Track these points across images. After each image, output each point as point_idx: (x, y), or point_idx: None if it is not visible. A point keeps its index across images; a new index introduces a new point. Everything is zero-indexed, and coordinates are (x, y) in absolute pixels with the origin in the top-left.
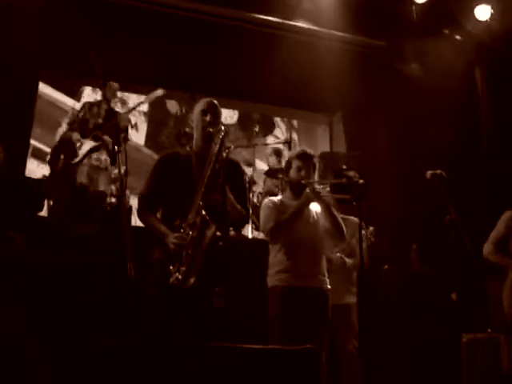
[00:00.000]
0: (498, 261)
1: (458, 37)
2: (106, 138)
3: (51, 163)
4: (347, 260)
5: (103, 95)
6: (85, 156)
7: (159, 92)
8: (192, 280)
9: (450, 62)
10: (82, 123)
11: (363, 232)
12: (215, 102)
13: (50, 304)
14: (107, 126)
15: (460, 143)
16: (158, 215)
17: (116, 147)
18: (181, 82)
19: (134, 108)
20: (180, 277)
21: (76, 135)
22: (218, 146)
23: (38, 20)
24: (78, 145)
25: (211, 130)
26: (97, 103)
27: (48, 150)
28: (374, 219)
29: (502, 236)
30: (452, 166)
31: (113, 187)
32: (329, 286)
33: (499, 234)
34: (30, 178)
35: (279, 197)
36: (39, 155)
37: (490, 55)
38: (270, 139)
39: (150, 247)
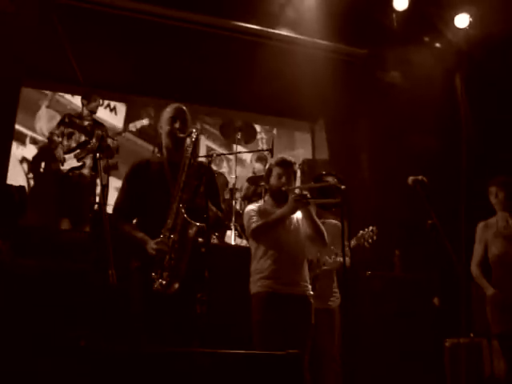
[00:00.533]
0: (480, 283)
1: (438, 44)
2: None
3: (33, 171)
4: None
5: (85, 107)
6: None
7: (145, 122)
8: (176, 285)
9: (430, 69)
10: (66, 138)
11: (362, 232)
12: (183, 107)
13: (31, 311)
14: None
15: (441, 149)
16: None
17: (98, 154)
18: (164, 90)
19: (119, 133)
20: (164, 282)
21: (59, 151)
22: (190, 149)
23: (20, 25)
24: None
25: (181, 135)
26: (77, 115)
27: (28, 132)
28: (356, 225)
29: (482, 253)
30: (433, 171)
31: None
32: (311, 292)
33: (478, 252)
34: (11, 185)
35: (260, 203)
36: (18, 137)
37: (470, 62)
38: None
39: (128, 256)
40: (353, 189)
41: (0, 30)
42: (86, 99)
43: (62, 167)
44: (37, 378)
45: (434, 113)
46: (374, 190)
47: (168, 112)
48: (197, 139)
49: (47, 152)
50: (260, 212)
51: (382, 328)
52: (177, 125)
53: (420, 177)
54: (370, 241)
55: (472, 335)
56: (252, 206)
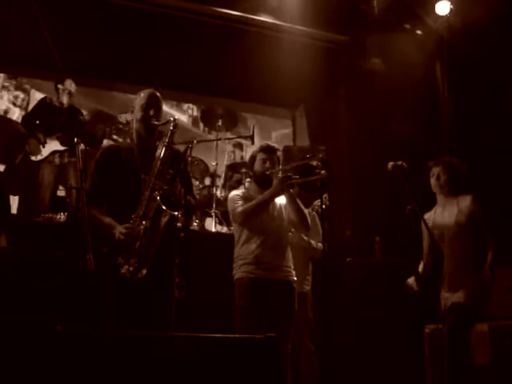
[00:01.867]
0: None
1: (419, 31)
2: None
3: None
4: (312, 242)
5: (58, 90)
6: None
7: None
8: (144, 271)
9: (411, 56)
10: (45, 120)
11: (315, 202)
12: (157, 94)
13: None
14: (70, 124)
15: (421, 135)
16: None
17: (76, 139)
18: (143, 76)
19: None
20: (131, 268)
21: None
22: (167, 137)
23: None
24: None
25: (156, 122)
26: (55, 99)
27: None
28: (337, 212)
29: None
30: (413, 157)
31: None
32: (295, 278)
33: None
34: None
35: (243, 189)
36: None
37: (450, 49)
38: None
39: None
40: (333, 175)
41: None
42: (61, 83)
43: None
44: (15, 364)
45: (415, 99)
46: (354, 176)
47: (142, 98)
48: (175, 128)
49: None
50: (244, 198)
51: (362, 314)
52: (151, 112)
53: (400, 162)
54: (324, 206)
55: None
56: (236, 192)
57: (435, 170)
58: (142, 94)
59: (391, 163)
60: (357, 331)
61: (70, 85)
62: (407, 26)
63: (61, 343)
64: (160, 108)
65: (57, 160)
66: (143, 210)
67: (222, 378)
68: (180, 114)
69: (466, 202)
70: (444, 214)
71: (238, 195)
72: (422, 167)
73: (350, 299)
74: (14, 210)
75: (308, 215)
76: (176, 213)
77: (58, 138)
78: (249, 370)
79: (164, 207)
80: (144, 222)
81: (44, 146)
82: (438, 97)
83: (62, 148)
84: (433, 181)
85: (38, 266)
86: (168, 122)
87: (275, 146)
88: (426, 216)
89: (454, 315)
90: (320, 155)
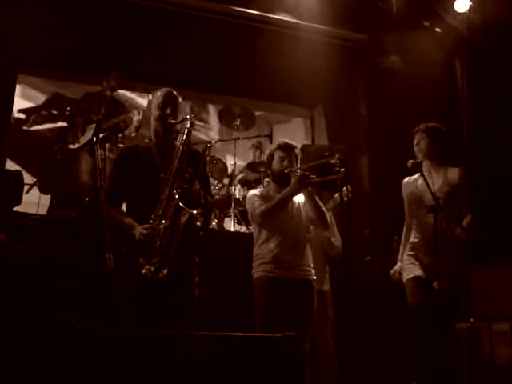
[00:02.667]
0: None
1: (438, 29)
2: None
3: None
4: (332, 238)
5: (105, 85)
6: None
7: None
8: (165, 271)
9: (430, 54)
10: (84, 112)
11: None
12: (174, 92)
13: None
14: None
15: None
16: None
17: (94, 138)
18: (160, 77)
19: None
20: (152, 268)
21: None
22: (185, 135)
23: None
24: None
25: (173, 121)
26: (98, 93)
27: None
28: (356, 211)
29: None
30: None
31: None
32: (314, 277)
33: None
34: (8, 170)
35: (262, 189)
36: None
37: (470, 47)
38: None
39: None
40: (352, 174)
41: None
42: (106, 78)
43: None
44: (32, 364)
45: (434, 97)
46: (372, 175)
47: (159, 97)
48: (192, 126)
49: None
50: (263, 197)
51: (382, 313)
52: (168, 110)
53: (419, 160)
54: (346, 198)
55: (472, 320)
56: (255, 191)
57: (416, 137)
58: (159, 93)
59: (411, 161)
60: (376, 330)
61: (114, 78)
62: (426, 24)
63: (80, 342)
64: (177, 106)
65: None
66: (162, 209)
67: (242, 376)
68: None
69: (454, 174)
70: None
71: (256, 195)
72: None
73: (369, 297)
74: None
75: (327, 213)
76: (195, 211)
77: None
78: (269, 368)
79: (183, 206)
80: (164, 221)
81: (83, 134)
82: (457, 95)
83: (101, 134)
84: (416, 148)
85: (56, 264)
86: (184, 120)
87: (293, 143)
88: (406, 180)
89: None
90: (337, 154)
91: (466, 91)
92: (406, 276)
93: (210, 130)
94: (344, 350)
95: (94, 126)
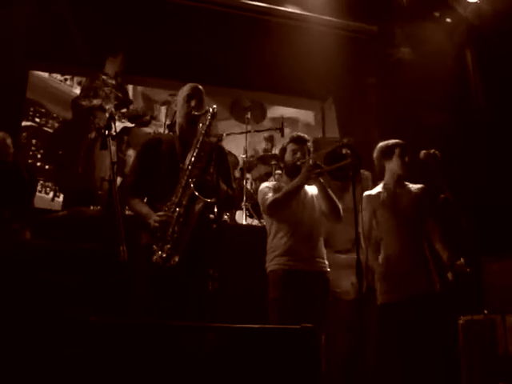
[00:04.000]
0: None
1: (448, 19)
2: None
3: None
4: None
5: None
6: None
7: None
8: (176, 258)
9: (441, 44)
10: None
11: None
12: (200, 87)
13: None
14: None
15: (453, 124)
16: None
17: (106, 131)
18: (171, 70)
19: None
20: (164, 255)
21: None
22: (205, 126)
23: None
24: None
25: (196, 113)
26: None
27: None
28: None
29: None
30: (445, 146)
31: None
32: (328, 269)
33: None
34: (20, 162)
35: (274, 182)
36: None
37: (481, 37)
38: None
39: (138, 232)
40: (363, 166)
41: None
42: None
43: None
44: (50, 356)
45: (445, 88)
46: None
47: (185, 90)
48: (213, 117)
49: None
50: (275, 189)
51: None
52: (193, 103)
53: (432, 150)
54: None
55: (486, 312)
56: (267, 184)
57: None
58: (185, 87)
59: (423, 152)
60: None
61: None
62: (436, 14)
63: (94, 334)
64: (202, 100)
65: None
66: (179, 197)
67: (257, 368)
68: None
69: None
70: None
71: (268, 187)
72: (453, 156)
73: None
74: None
75: (340, 205)
76: (209, 200)
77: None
78: (284, 360)
79: (197, 194)
80: (178, 209)
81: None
82: (468, 85)
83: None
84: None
85: (70, 258)
86: (206, 112)
87: (305, 136)
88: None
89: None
90: (345, 140)
91: (478, 81)
92: None
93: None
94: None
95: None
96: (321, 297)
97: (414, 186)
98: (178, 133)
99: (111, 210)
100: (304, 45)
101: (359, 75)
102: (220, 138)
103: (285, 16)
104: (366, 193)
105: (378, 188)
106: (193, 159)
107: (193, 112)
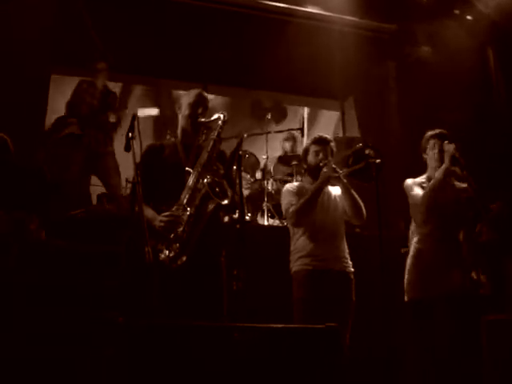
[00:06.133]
0: None
1: (469, 17)
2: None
3: None
4: None
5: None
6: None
7: (153, 112)
8: (184, 258)
9: (461, 42)
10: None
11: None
12: (205, 94)
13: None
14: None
15: (474, 123)
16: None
17: (130, 134)
18: (191, 72)
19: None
20: (172, 254)
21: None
22: (216, 132)
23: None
24: None
25: (203, 120)
26: (92, 83)
27: None
28: (390, 202)
29: None
30: (466, 146)
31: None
32: (352, 269)
33: None
34: (43, 166)
35: (297, 183)
36: None
37: (502, 34)
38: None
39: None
40: (384, 166)
41: (23, 17)
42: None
43: None
44: (79, 359)
45: (467, 87)
46: (406, 166)
47: (190, 97)
48: (224, 123)
49: None
50: (299, 192)
51: None
52: (200, 110)
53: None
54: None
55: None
56: (290, 187)
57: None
58: (191, 93)
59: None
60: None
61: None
62: (456, 12)
63: (122, 336)
64: (207, 107)
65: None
66: (187, 197)
67: (283, 368)
68: None
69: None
70: None
71: (291, 192)
72: (475, 155)
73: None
74: None
75: (362, 206)
76: (225, 202)
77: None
78: (310, 359)
79: (212, 194)
80: (188, 209)
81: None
82: (490, 83)
83: (78, 132)
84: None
85: (94, 260)
86: (218, 118)
87: (328, 137)
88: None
89: None
90: (370, 144)
91: (500, 80)
92: None
93: None
94: (380, 340)
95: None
96: (345, 296)
97: (458, 184)
98: (180, 138)
99: (134, 211)
100: (324, 45)
101: (380, 74)
102: (241, 139)
103: (304, 16)
104: (409, 180)
105: (422, 178)
106: (203, 161)
107: (199, 119)
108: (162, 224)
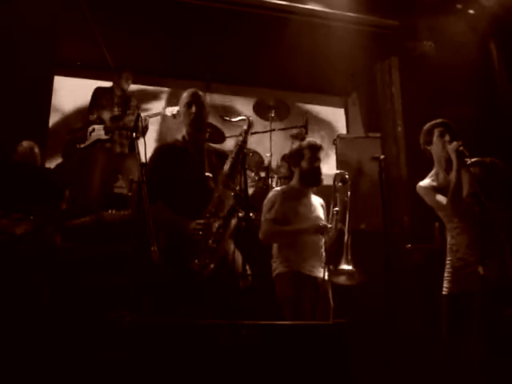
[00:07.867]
0: None
1: (471, 11)
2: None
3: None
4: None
5: (117, 84)
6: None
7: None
8: (212, 266)
9: (464, 37)
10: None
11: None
12: (199, 92)
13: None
14: (122, 118)
15: (477, 118)
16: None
17: (134, 134)
18: (194, 71)
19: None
20: (202, 262)
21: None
22: (242, 137)
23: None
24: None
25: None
26: (109, 89)
27: None
28: (395, 197)
29: None
30: (470, 141)
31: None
32: (326, 278)
33: None
34: (53, 171)
35: (283, 187)
36: None
37: (505, 28)
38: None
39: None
40: (388, 162)
41: (26, 17)
42: (118, 75)
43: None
44: (90, 358)
45: (470, 81)
46: (410, 162)
47: (184, 97)
48: (249, 127)
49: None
50: (285, 196)
51: (422, 301)
52: (193, 109)
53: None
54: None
55: None
56: (272, 194)
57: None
58: (185, 94)
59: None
60: (417, 318)
61: (126, 78)
62: (459, 6)
63: (131, 335)
64: (202, 104)
65: (117, 148)
66: (215, 207)
67: (291, 364)
68: None
69: None
70: None
71: (272, 201)
72: (478, 150)
73: (410, 286)
74: None
75: None
76: (249, 216)
77: (104, 128)
78: (317, 356)
79: (239, 208)
80: (218, 220)
81: (91, 134)
82: (493, 78)
83: (105, 137)
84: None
85: (102, 261)
86: (243, 120)
87: (320, 143)
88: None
89: None
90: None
91: (502, 74)
92: None
93: None
94: (385, 336)
95: (103, 126)
96: (324, 302)
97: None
98: (187, 137)
99: (141, 211)
100: (327, 42)
101: (382, 70)
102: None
103: (306, 13)
104: (421, 183)
105: (431, 177)
106: (229, 171)
107: (195, 118)
108: (196, 232)
